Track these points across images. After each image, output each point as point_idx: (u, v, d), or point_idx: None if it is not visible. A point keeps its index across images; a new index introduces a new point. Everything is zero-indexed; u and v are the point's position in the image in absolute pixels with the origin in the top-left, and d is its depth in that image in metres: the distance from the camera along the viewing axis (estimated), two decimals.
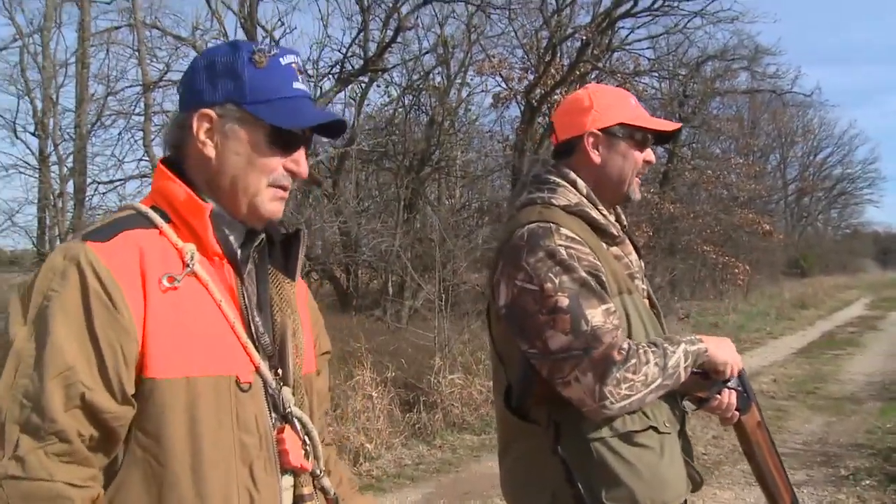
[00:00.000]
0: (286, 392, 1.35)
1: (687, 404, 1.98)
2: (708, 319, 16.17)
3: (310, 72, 12.40)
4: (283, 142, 1.35)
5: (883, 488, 5.40)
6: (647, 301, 2.04)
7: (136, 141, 11.20)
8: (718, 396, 1.95)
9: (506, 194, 15.48)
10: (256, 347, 1.32)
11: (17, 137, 9.32)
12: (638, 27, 15.62)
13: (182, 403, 1.21)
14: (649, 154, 2.03)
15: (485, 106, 16.16)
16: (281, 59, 1.36)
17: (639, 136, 1.98)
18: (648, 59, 16.19)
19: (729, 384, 1.97)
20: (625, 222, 2.09)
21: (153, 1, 11.47)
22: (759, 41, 18.26)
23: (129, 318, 1.18)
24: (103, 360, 1.16)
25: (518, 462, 1.98)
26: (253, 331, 1.32)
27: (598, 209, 1.96)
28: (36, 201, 9.79)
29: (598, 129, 1.97)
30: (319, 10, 20.39)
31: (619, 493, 1.81)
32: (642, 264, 2.09)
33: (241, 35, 11.67)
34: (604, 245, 1.95)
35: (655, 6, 13.94)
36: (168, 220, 1.31)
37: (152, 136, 10.84)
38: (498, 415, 2.08)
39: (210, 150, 1.33)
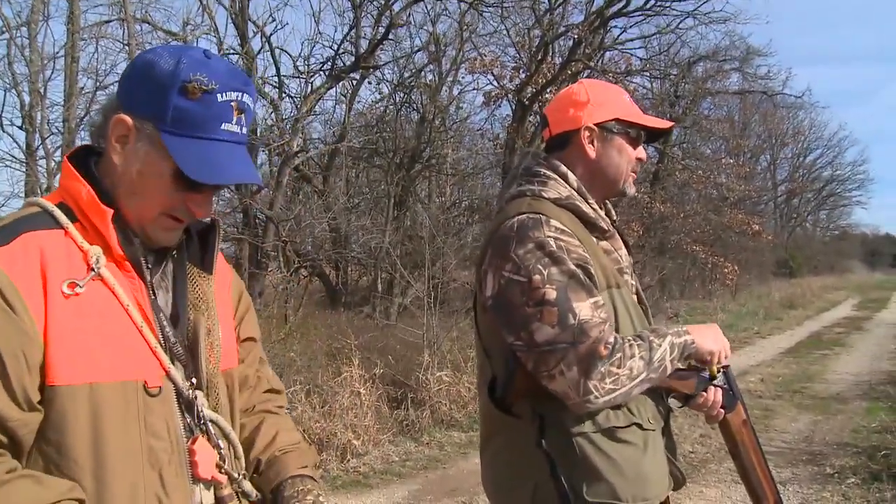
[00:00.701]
0: (200, 396, 1.33)
1: (672, 402, 1.98)
2: (697, 319, 16.21)
3: (301, 68, 12.39)
4: (190, 184, 1.26)
5: (867, 486, 5.42)
6: (635, 296, 2.03)
7: None
8: (704, 394, 1.94)
9: (496, 192, 15.47)
10: (166, 351, 1.29)
11: (4, 131, 9.26)
12: (630, 27, 15.69)
13: (85, 410, 1.18)
14: (641, 151, 2.02)
15: (476, 104, 16.26)
16: (219, 96, 1.25)
17: (633, 133, 1.98)
18: (640, 59, 16.28)
19: (715, 382, 1.96)
20: (614, 217, 2.09)
21: None
22: (750, 42, 18.38)
23: (30, 323, 1.15)
24: (5, 367, 1.13)
25: (499, 455, 1.98)
26: (160, 335, 1.29)
27: (588, 203, 1.95)
28: (23, 195, 9.73)
29: (594, 124, 1.96)
30: (311, 7, 20.46)
31: (601, 488, 1.81)
32: (631, 260, 2.09)
33: (231, 31, 11.66)
34: (594, 239, 1.94)
35: (648, 6, 13.99)
36: (74, 220, 1.26)
37: None
38: (481, 408, 2.06)
39: (118, 158, 1.27)
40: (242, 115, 1.29)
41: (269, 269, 11.10)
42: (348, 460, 6.09)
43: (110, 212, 1.24)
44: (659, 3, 13.94)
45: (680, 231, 18.96)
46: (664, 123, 2.05)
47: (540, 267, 1.77)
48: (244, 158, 1.32)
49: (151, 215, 1.29)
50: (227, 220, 12.06)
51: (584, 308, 1.75)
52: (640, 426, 1.87)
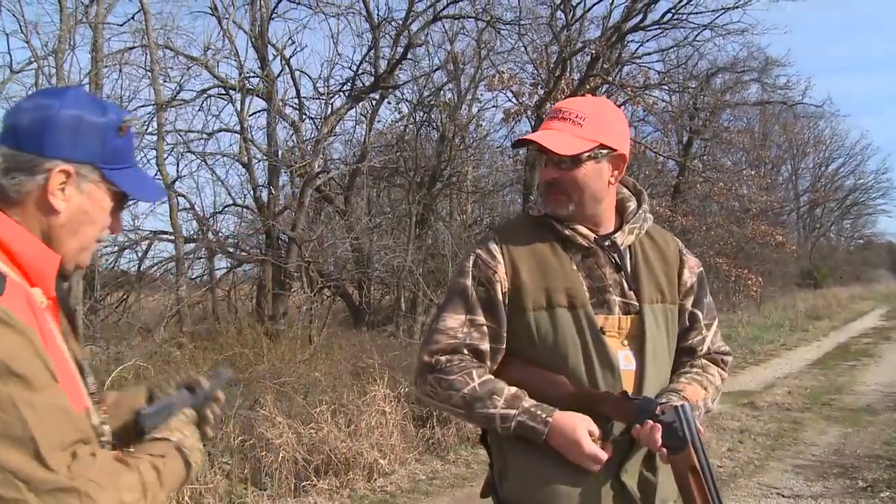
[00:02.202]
0: (107, 428, 1.44)
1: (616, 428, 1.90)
2: (721, 332, 16.01)
3: (320, 89, 12.50)
4: (121, 206, 1.46)
5: None
6: (632, 318, 1.99)
7: (148, 160, 11.29)
8: (639, 426, 1.84)
9: (517, 209, 15.49)
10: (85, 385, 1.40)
11: None
12: (647, 40, 15.69)
13: None
14: (544, 172, 2.02)
15: (495, 121, 16.19)
16: (132, 128, 1.47)
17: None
18: (658, 73, 16.22)
19: (661, 417, 1.83)
20: (627, 234, 2.05)
21: (165, 21, 11.62)
22: (768, 53, 18.31)
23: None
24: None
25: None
26: (76, 368, 1.40)
27: (562, 222, 2.00)
28: None
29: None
30: (330, 29, 20.43)
31: (508, 486, 1.96)
32: (619, 277, 2.01)
33: (252, 54, 11.79)
34: (571, 257, 1.99)
35: (665, 20, 13.99)
36: None
37: (165, 155, 10.94)
38: None
39: (60, 204, 1.37)
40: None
41: (293, 290, 11.16)
42: (375, 480, 6.09)
43: (59, 256, 1.38)
44: (676, 17, 13.94)
45: (702, 244, 18.83)
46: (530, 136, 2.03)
47: (453, 276, 2.07)
48: (151, 177, 1.57)
49: (91, 242, 1.45)
50: (249, 241, 12.15)
51: (450, 319, 1.97)
52: None
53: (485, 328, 1.95)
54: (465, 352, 1.95)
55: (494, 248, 1.99)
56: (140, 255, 11.27)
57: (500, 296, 1.95)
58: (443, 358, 1.93)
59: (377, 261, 11.78)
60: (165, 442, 1.46)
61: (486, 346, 1.96)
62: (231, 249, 11.83)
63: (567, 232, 1.99)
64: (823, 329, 18.98)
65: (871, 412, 8.48)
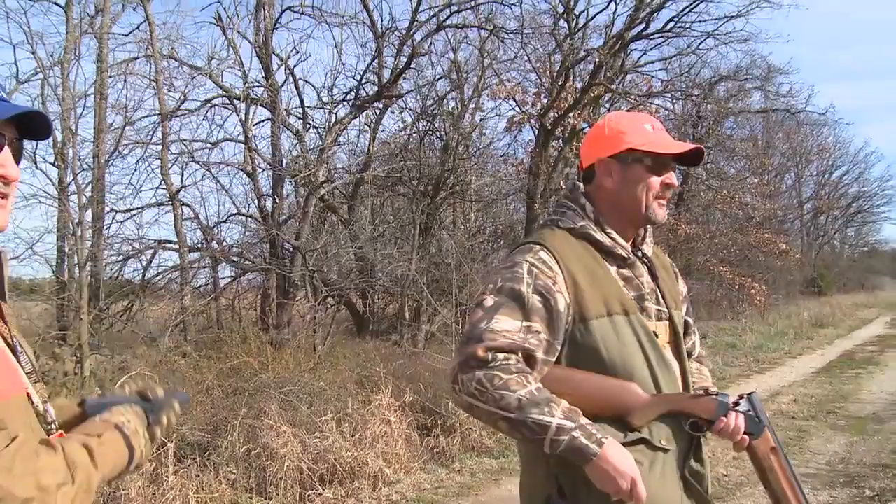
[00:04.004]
0: (50, 406, 1.42)
1: (690, 428, 1.97)
2: (725, 340, 16.07)
3: (324, 99, 12.53)
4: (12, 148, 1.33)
5: None
6: (664, 323, 2.08)
7: (152, 170, 11.34)
8: (724, 419, 1.96)
9: (520, 217, 15.50)
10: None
11: (38, 168, 9.44)
12: (650, 49, 15.70)
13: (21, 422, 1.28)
14: (669, 177, 2.07)
15: (499, 130, 16.28)
16: None
17: (649, 161, 2.03)
18: (661, 81, 16.27)
19: (738, 408, 1.98)
20: (649, 244, 2.15)
21: (170, 32, 11.64)
22: (771, 61, 18.31)
23: None
24: None
25: (523, 466, 2.09)
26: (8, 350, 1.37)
27: (605, 232, 2.03)
28: (55, 230, 9.91)
29: (608, 156, 2.06)
30: (334, 38, 20.61)
31: (584, 493, 1.85)
32: (654, 285, 2.11)
33: (256, 64, 11.83)
34: (610, 267, 2.02)
35: (668, 28, 14.00)
36: None
37: (169, 165, 10.97)
38: None
39: None
40: None
41: (297, 299, 11.17)
42: (380, 489, 6.08)
43: None
44: (679, 25, 13.96)
45: (706, 252, 18.87)
46: (679, 147, 2.07)
47: (499, 280, 1.94)
48: (9, 104, 1.36)
49: None
50: (254, 250, 12.17)
51: (505, 322, 1.86)
52: (649, 444, 1.90)
53: (542, 337, 1.89)
54: (521, 356, 1.86)
55: (548, 258, 1.95)
56: (144, 264, 11.28)
57: (562, 307, 1.91)
58: (500, 355, 1.82)
59: (381, 270, 11.80)
60: (104, 423, 1.43)
61: (540, 355, 1.89)
62: (235, 258, 11.84)
63: (609, 242, 2.03)
64: (828, 337, 18.92)
65: (877, 421, 8.45)
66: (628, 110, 15.78)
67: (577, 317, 1.92)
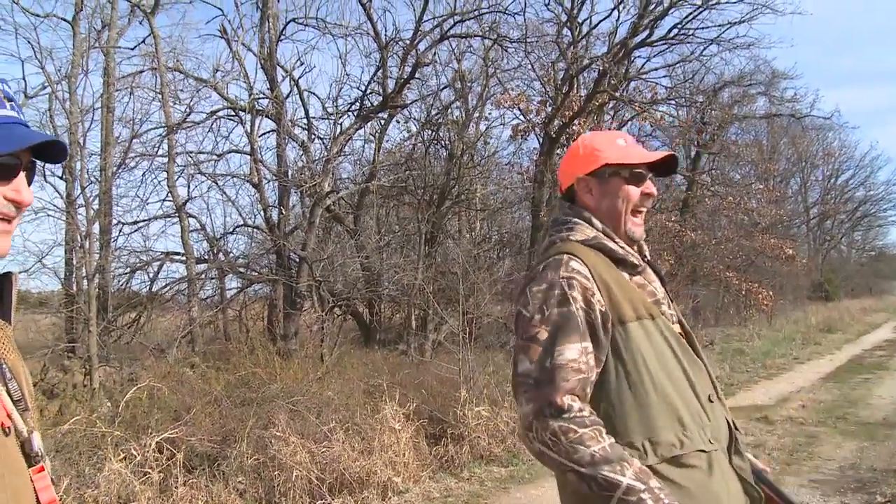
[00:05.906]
0: (36, 436, 1.37)
1: None
2: (733, 345, 16.03)
3: (329, 109, 12.58)
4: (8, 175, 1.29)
5: None
6: (677, 325, 2.11)
7: (159, 182, 11.40)
8: None
9: (526, 226, 15.53)
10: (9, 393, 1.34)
11: (46, 181, 9.51)
12: (654, 56, 15.75)
13: None
14: (648, 187, 2.12)
15: (503, 139, 16.36)
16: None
17: (625, 173, 2.09)
18: (665, 88, 16.27)
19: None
20: (646, 254, 2.20)
21: (175, 45, 11.74)
22: (775, 66, 18.34)
23: None
24: None
25: (567, 487, 1.98)
26: None
27: (615, 241, 2.07)
28: (63, 243, 9.95)
29: (586, 174, 2.12)
30: (338, 49, 20.80)
31: None
32: (666, 291, 2.16)
33: (261, 76, 11.89)
34: (626, 275, 2.05)
35: (671, 35, 14.04)
36: None
37: (176, 177, 11.03)
38: None
39: None
40: (10, 103, 1.32)
41: (304, 309, 11.19)
42: (389, 498, 6.08)
43: None
44: (682, 32, 13.99)
45: (712, 258, 18.82)
46: (652, 156, 2.13)
47: (544, 306, 1.92)
48: (35, 132, 1.33)
49: None
50: (260, 261, 12.20)
51: (567, 352, 1.86)
52: (701, 450, 1.92)
53: (595, 356, 1.90)
54: (588, 389, 1.88)
55: (580, 266, 1.96)
56: (152, 275, 11.34)
57: (602, 315, 1.93)
58: (576, 405, 1.82)
59: (387, 279, 11.81)
60: None
61: (594, 376, 1.90)
62: (242, 269, 11.88)
63: (621, 251, 2.06)
64: (836, 342, 18.85)
65: (887, 426, 8.41)
66: (632, 118, 15.80)
67: (616, 320, 1.95)
